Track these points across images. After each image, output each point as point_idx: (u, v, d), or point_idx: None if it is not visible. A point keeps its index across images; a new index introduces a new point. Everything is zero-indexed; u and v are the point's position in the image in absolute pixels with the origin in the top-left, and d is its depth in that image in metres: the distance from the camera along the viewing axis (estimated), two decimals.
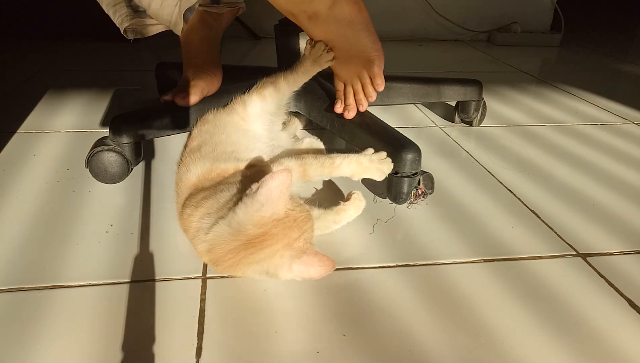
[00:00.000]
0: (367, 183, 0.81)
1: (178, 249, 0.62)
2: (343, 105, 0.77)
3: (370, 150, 0.67)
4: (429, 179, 0.73)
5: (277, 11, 0.73)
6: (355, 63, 0.74)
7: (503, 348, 0.50)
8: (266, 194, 0.49)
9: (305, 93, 0.89)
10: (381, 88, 0.75)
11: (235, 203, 0.51)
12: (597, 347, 0.50)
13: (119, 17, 0.83)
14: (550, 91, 1.39)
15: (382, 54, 0.74)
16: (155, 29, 0.91)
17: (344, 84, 0.77)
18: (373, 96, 0.76)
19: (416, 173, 0.70)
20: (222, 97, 0.84)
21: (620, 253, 0.66)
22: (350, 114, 0.77)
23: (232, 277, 0.58)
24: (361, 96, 0.76)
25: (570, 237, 0.69)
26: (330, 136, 0.91)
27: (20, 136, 0.93)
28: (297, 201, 0.54)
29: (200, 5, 0.86)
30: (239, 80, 0.89)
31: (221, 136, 0.68)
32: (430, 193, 0.74)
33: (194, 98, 0.79)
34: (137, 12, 0.83)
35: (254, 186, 0.50)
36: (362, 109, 0.77)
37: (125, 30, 0.85)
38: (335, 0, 0.69)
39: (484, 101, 1.06)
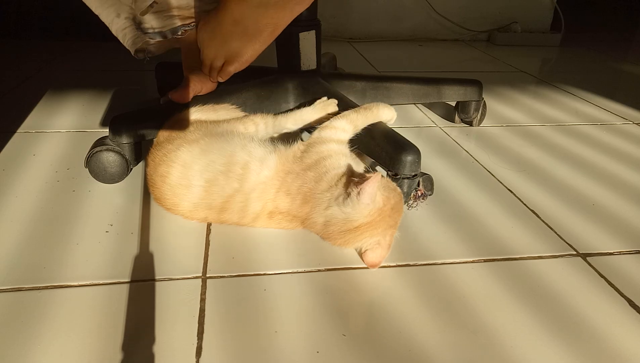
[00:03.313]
0: None
1: (178, 249, 0.62)
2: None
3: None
4: (429, 181, 0.73)
5: None
6: (227, 49, 0.77)
7: (503, 348, 0.50)
8: (369, 196, 0.58)
9: (305, 94, 0.89)
10: (220, 80, 0.80)
11: (342, 197, 0.60)
12: (597, 346, 0.50)
13: (129, 40, 0.85)
14: (550, 91, 1.39)
15: (245, 66, 0.79)
16: (165, 47, 0.92)
17: (203, 63, 0.80)
18: (210, 87, 0.82)
19: (416, 175, 0.70)
20: (222, 97, 0.84)
21: (620, 253, 0.66)
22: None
23: (232, 277, 0.58)
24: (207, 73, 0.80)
25: (570, 237, 0.69)
26: None
27: (20, 136, 0.93)
28: (388, 186, 0.63)
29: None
30: (239, 80, 0.89)
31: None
32: (430, 195, 0.74)
33: (187, 94, 0.81)
34: (146, 33, 0.84)
35: (354, 192, 0.58)
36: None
37: (136, 52, 0.87)
38: (272, 4, 0.73)
39: (484, 101, 1.06)
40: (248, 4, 0.74)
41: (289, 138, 0.72)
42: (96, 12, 0.83)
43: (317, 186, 0.62)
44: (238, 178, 0.63)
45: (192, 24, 0.86)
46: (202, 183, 0.63)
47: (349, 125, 0.70)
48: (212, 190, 0.63)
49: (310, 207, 0.61)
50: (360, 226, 0.59)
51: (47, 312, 0.51)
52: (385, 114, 0.75)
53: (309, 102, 0.79)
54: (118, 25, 0.84)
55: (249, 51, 0.78)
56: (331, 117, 0.72)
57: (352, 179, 0.61)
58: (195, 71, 0.84)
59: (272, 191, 0.63)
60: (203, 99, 0.83)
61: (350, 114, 0.72)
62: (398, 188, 0.65)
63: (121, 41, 0.86)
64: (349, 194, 0.59)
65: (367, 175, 0.59)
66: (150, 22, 0.83)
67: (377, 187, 0.59)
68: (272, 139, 0.71)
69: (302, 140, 0.70)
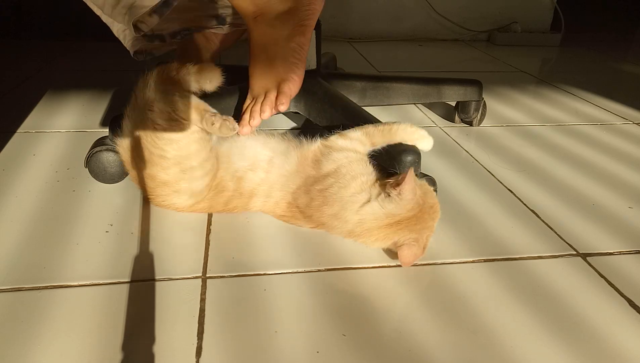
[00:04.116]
0: None
1: (178, 249, 0.62)
2: (244, 122, 0.72)
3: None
4: (432, 183, 0.72)
5: None
6: (271, 76, 0.73)
7: (503, 348, 0.50)
8: (410, 192, 0.60)
9: (305, 94, 0.89)
10: (282, 108, 0.71)
11: (383, 196, 0.61)
12: (597, 346, 0.50)
13: (129, 42, 0.85)
14: (550, 91, 1.39)
15: (300, 81, 0.73)
16: (164, 49, 0.92)
17: (253, 99, 0.74)
18: (267, 113, 0.71)
19: (415, 175, 0.70)
20: (222, 98, 0.84)
21: (620, 253, 0.66)
22: (245, 130, 0.71)
23: (231, 277, 0.58)
24: (258, 107, 0.71)
25: (570, 237, 0.69)
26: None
27: (20, 136, 0.93)
28: (426, 188, 0.64)
29: (205, 27, 0.87)
30: (239, 80, 0.89)
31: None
32: None
33: None
34: (145, 36, 0.84)
35: (394, 192, 0.60)
36: (253, 122, 0.71)
37: (135, 53, 0.87)
38: (286, 12, 0.71)
39: (484, 101, 1.06)
40: (265, 21, 0.72)
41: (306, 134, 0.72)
42: (97, 13, 0.83)
43: (344, 191, 0.62)
44: (264, 170, 0.66)
45: (193, 28, 0.86)
46: (233, 185, 0.66)
47: (365, 137, 0.69)
48: (242, 185, 0.66)
49: (339, 208, 0.62)
50: (402, 220, 0.60)
51: (47, 312, 0.51)
52: (410, 135, 0.70)
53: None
54: (119, 26, 0.84)
55: (295, 62, 0.73)
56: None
57: (388, 182, 0.62)
58: None
59: (293, 186, 0.66)
60: (204, 100, 0.83)
61: (367, 128, 0.70)
62: (434, 193, 0.65)
63: (121, 42, 0.86)
64: (389, 194, 0.60)
65: (402, 175, 0.60)
66: (135, 33, 0.83)
67: (414, 181, 0.60)
68: (289, 134, 0.72)
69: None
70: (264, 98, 0.72)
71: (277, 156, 0.67)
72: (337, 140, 0.68)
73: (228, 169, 0.67)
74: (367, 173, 0.64)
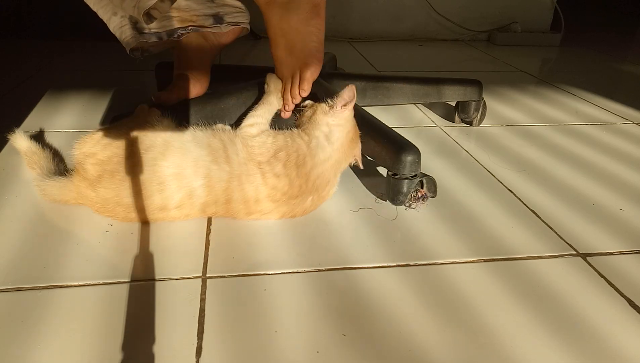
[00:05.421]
0: (368, 184, 0.81)
1: (178, 249, 0.62)
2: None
3: None
4: (432, 183, 0.72)
5: None
6: (294, 61, 0.76)
7: (503, 348, 0.50)
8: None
9: None
10: (305, 94, 0.76)
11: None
12: (597, 346, 0.50)
13: (125, 39, 0.85)
14: (550, 91, 1.39)
15: (321, 64, 0.76)
16: (162, 47, 0.92)
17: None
18: (297, 99, 0.76)
19: (415, 175, 0.70)
20: (222, 98, 0.84)
21: (620, 253, 0.66)
22: (287, 114, 0.78)
23: (232, 277, 0.58)
24: (289, 95, 0.76)
25: (570, 237, 0.69)
26: None
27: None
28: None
29: (202, 26, 0.87)
30: (239, 80, 0.89)
31: None
32: (433, 197, 0.73)
33: (170, 97, 0.81)
34: (142, 33, 0.84)
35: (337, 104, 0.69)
36: (287, 108, 0.78)
37: (131, 50, 0.87)
38: None
39: (484, 101, 1.06)
40: (279, 5, 0.73)
41: None
42: (94, 9, 0.83)
43: (303, 146, 0.67)
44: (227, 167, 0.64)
45: (190, 27, 0.86)
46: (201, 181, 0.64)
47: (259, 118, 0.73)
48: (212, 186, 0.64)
49: (316, 149, 0.68)
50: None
51: (47, 312, 0.51)
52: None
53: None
54: (115, 23, 0.84)
55: (315, 45, 0.76)
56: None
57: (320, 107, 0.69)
58: (184, 75, 0.84)
59: (258, 177, 0.65)
60: (204, 100, 0.83)
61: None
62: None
63: (118, 38, 0.86)
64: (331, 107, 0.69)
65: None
66: (148, 22, 0.83)
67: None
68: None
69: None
70: (292, 85, 0.76)
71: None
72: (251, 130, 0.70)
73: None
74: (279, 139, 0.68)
